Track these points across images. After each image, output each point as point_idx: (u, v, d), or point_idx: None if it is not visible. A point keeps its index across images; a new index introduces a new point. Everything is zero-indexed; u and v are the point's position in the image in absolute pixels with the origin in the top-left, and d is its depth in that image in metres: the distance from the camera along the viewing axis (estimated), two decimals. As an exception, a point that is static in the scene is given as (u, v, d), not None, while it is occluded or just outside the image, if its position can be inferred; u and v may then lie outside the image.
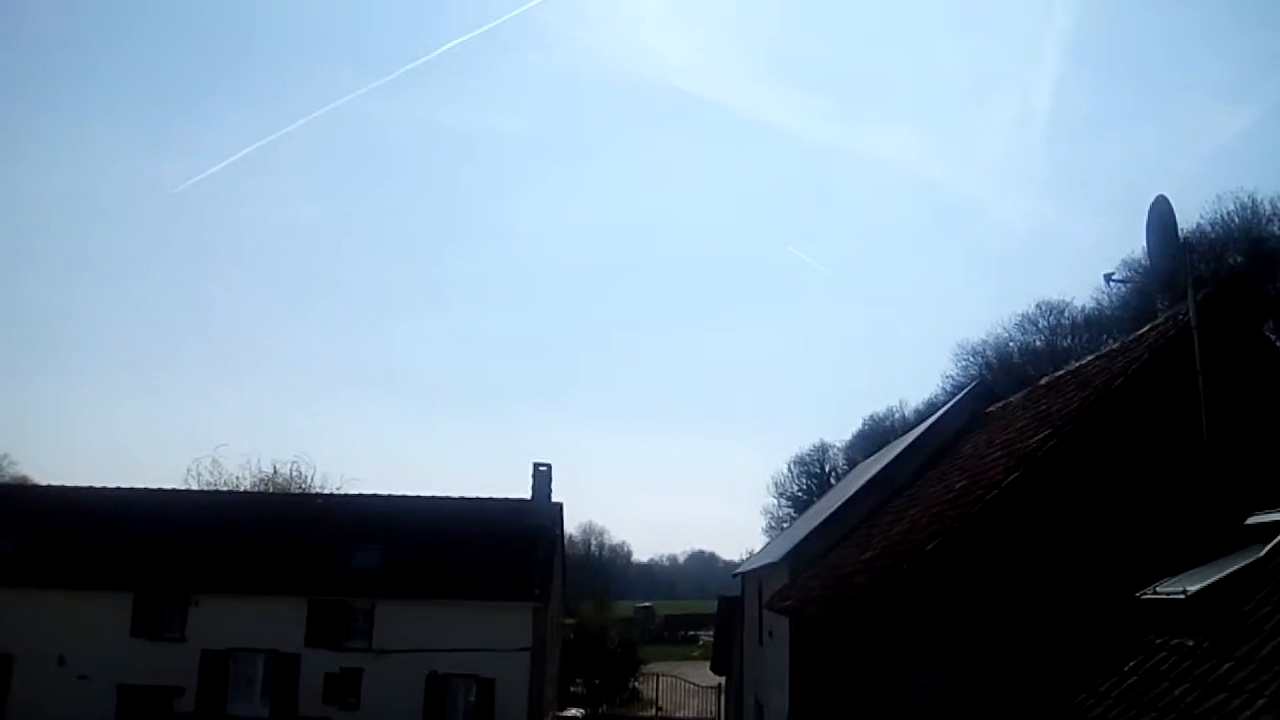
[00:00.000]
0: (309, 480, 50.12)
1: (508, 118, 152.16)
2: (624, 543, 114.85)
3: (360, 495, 36.64)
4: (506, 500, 34.63)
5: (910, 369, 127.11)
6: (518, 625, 30.22)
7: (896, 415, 70.39)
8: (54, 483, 36.95)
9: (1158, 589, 8.36)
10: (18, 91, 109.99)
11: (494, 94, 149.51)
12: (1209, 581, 7.67)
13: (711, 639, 45.73)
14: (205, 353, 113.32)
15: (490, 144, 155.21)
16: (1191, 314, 10.45)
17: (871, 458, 28.29)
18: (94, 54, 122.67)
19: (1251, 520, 8.52)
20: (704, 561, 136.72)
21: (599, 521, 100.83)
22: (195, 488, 44.34)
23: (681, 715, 45.50)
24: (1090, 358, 14.93)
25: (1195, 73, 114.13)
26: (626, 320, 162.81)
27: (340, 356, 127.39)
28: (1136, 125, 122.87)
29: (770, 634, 19.27)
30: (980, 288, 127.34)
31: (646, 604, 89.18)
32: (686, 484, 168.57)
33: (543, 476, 34.66)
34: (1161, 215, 10.79)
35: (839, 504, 18.68)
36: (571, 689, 44.88)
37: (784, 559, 18.01)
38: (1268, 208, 44.79)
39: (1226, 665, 6.55)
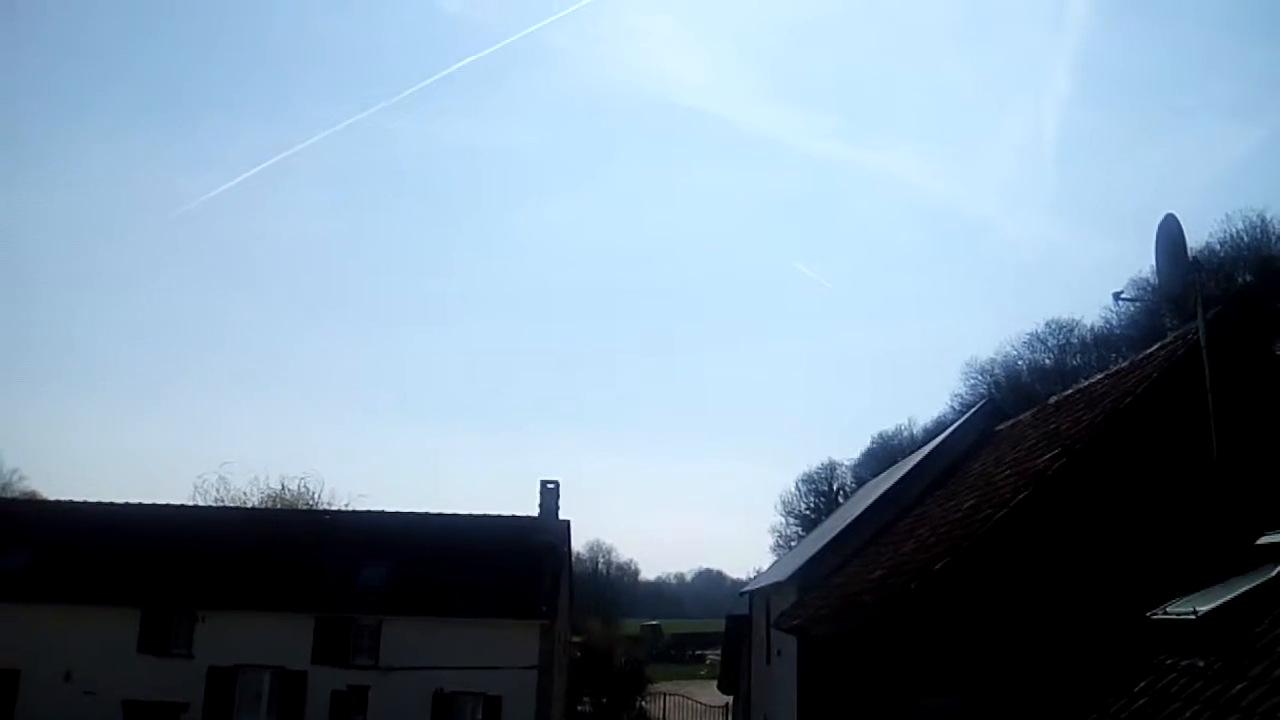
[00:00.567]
0: (317, 496, 50.11)
1: (519, 135, 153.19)
2: (631, 561, 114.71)
3: (368, 512, 36.66)
4: (514, 517, 34.59)
5: (919, 387, 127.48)
6: (525, 643, 30.14)
7: (905, 433, 70.31)
8: (63, 498, 37.05)
9: (1168, 609, 8.30)
10: (33, 105, 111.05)
11: (505, 111, 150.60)
12: (1220, 602, 7.61)
13: (719, 658, 45.52)
14: (216, 368, 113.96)
15: (502, 161, 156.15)
16: (1201, 333, 10.41)
17: (880, 476, 28.21)
18: (110, 70, 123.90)
19: (1262, 540, 8.46)
20: (711, 580, 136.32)
21: (606, 539, 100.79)
22: (203, 504, 44.40)
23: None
24: (1099, 376, 14.88)
25: (1204, 92, 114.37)
26: (635, 337, 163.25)
27: (350, 372, 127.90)
28: (1145, 144, 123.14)
29: (778, 653, 19.18)
30: (989, 306, 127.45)
31: (654, 622, 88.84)
32: (694, 502, 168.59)
33: (550, 494, 34.62)
34: (1170, 234, 10.76)
35: (847, 523, 18.62)
36: (579, 707, 44.75)
37: (792, 578, 17.94)
38: (1277, 226, 44.80)
39: (1238, 686, 6.50)
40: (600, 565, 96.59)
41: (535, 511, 34.47)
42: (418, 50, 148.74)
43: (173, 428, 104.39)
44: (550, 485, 34.74)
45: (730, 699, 36.26)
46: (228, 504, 46.10)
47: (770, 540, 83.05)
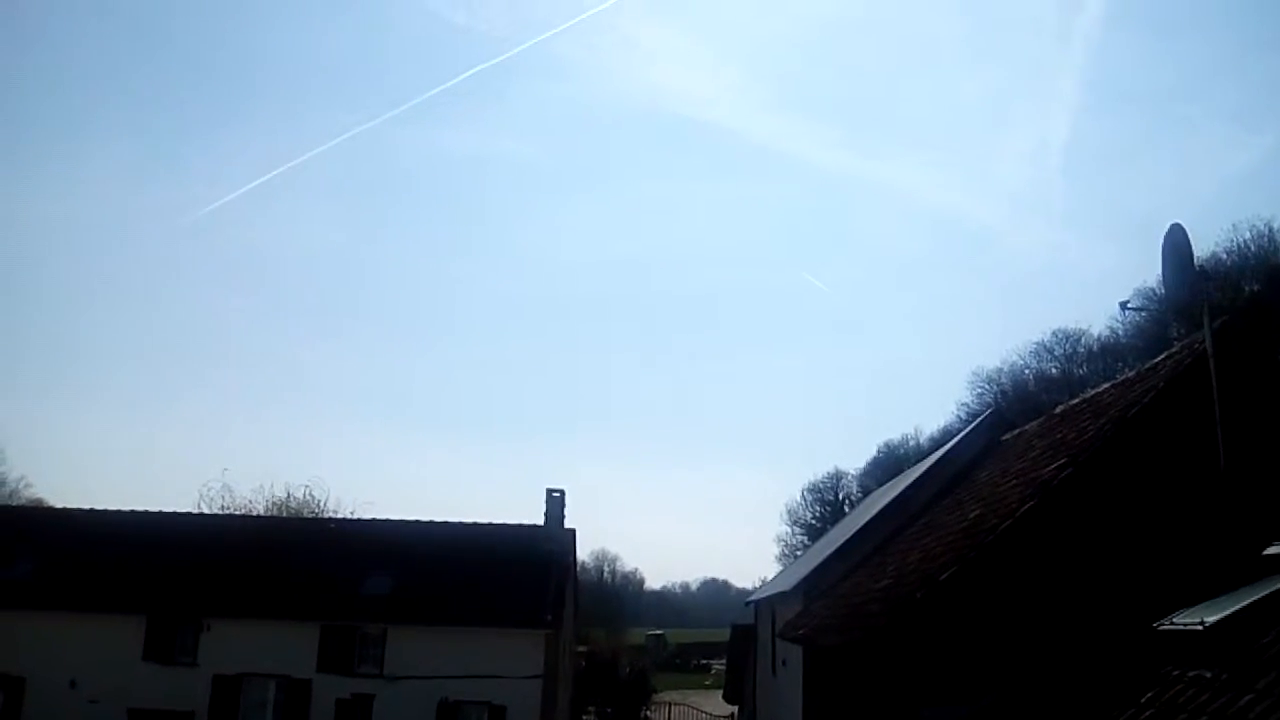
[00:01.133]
0: (322, 505, 50.20)
1: (524, 145, 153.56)
2: (636, 570, 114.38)
3: (373, 520, 36.62)
4: (519, 526, 34.53)
5: (925, 396, 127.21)
6: (530, 652, 30.05)
7: (911, 443, 70.25)
8: (69, 505, 37.10)
9: (1175, 620, 8.26)
10: (41, 113, 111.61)
11: (511, 122, 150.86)
12: (1227, 612, 7.58)
13: (724, 667, 45.43)
14: (221, 377, 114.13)
15: (507, 171, 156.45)
16: (1208, 342, 10.38)
17: (886, 485, 28.18)
18: (115, 80, 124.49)
19: (1270, 551, 8.44)
20: (717, 589, 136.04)
21: (611, 548, 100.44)
22: (208, 512, 44.45)
23: (694, 745, 45.15)
24: (1106, 386, 14.86)
25: (1210, 102, 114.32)
26: (640, 347, 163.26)
27: (355, 380, 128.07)
28: (1152, 154, 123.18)
29: (783, 663, 19.14)
30: (996, 316, 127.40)
31: (659, 632, 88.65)
32: (699, 511, 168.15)
33: (555, 502, 34.56)
34: (1177, 243, 10.75)
35: (853, 532, 18.61)
36: (584, 717, 44.63)
37: (797, 587, 17.92)
38: (1284, 235, 44.70)
39: (1246, 698, 6.46)
40: (605, 574, 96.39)
41: (540, 520, 34.39)
42: (424, 61, 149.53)
43: (178, 435, 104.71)
44: (555, 494, 34.69)
45: (735, 708, 36.20)
46: (233, 512, 46.18)
47: (776, 550, 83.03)
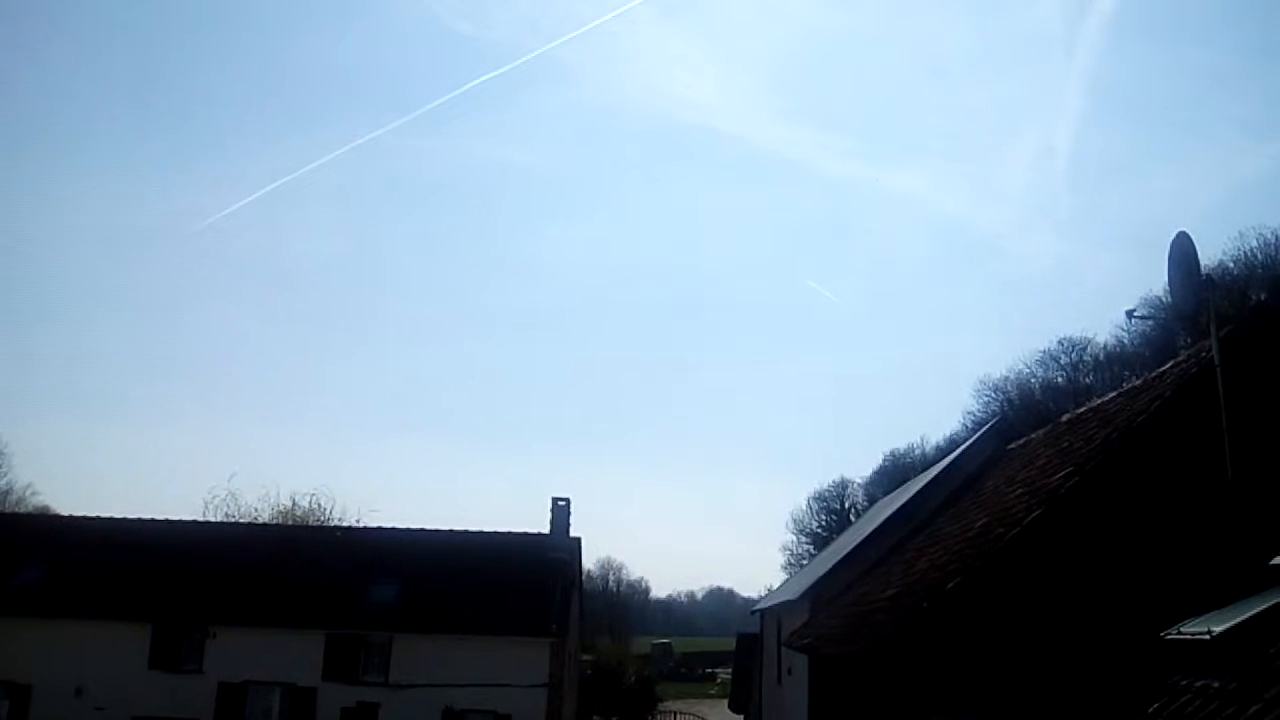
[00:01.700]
0: (328, 513, 50.23)
1: (533, 153, 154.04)
2: (642, 578, 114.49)
3: (379, 528, 36.61)
4: (525, 534, 34.53)
5: (931, 405, 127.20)
6: (535, 660, 30.03)
7: (917, 451, 70.18)
8: (76, 513, 37.21)
9: (1182, 629, 8.24)
10: (54, 123, 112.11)
11: (519, 130, 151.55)
12: (1235, 622, 7.55)
13: (730, 676, 45.36)
14: (229, 385, 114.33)
15: (516, 179, 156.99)
16: (1214, 351, 10.37)
17: (892, 494, 28.13)
18: (127, 88, 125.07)
19: (1277, 560, 8.41)
20: (722, 598, 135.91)
21: (617, 557, 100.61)
22: (213, 519, 44.50)
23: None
24: (1112, 395, 14.83)
25: (1216, 109, 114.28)
26: (648, 355, 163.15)
27: (362, 389, 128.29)
28: (1158, 162, 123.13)
29: (789, 672, 19.10)
30: (1002, 324, 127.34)
31: (664, 640, 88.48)
32: (705, 520, 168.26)
33: (561, 511, 34.56)
34: (1183, 251, 10.74)
35: (859, 541, 18.56)
36: (589, 726, 44.52)
37: (803, 596, 17.88)
38: (1291, 243, 44.62)
39: (1254, 708, 6.44)
40: (611, 583, 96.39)
41: (546, 528, 34.40)
42: (433, 70, 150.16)
43: (185, 443, 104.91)
44: (561, 502, 34.70)
45: (741, 717, 36.07)
46: (238, 520, 46.23)
47: (781, 558, 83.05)
